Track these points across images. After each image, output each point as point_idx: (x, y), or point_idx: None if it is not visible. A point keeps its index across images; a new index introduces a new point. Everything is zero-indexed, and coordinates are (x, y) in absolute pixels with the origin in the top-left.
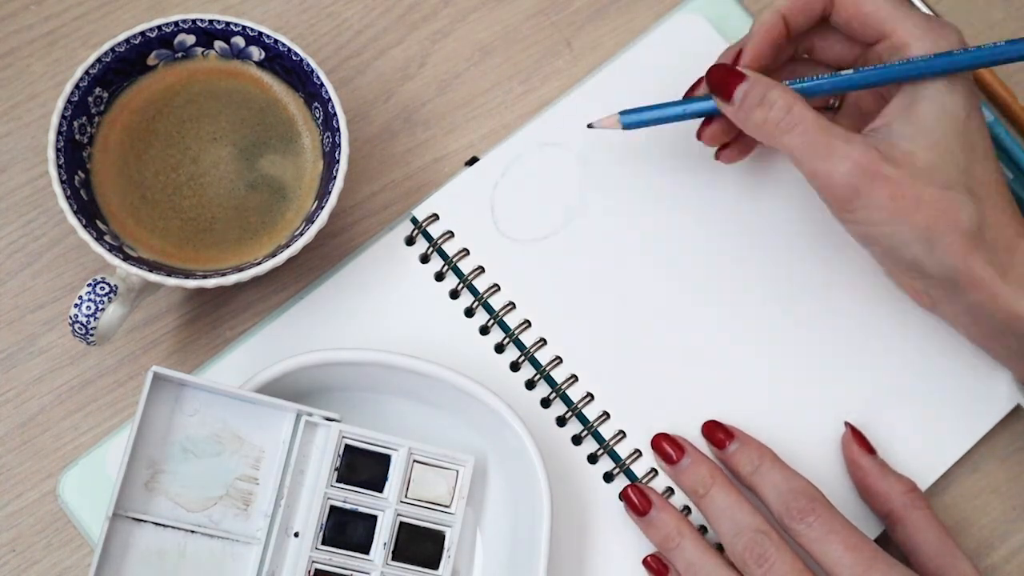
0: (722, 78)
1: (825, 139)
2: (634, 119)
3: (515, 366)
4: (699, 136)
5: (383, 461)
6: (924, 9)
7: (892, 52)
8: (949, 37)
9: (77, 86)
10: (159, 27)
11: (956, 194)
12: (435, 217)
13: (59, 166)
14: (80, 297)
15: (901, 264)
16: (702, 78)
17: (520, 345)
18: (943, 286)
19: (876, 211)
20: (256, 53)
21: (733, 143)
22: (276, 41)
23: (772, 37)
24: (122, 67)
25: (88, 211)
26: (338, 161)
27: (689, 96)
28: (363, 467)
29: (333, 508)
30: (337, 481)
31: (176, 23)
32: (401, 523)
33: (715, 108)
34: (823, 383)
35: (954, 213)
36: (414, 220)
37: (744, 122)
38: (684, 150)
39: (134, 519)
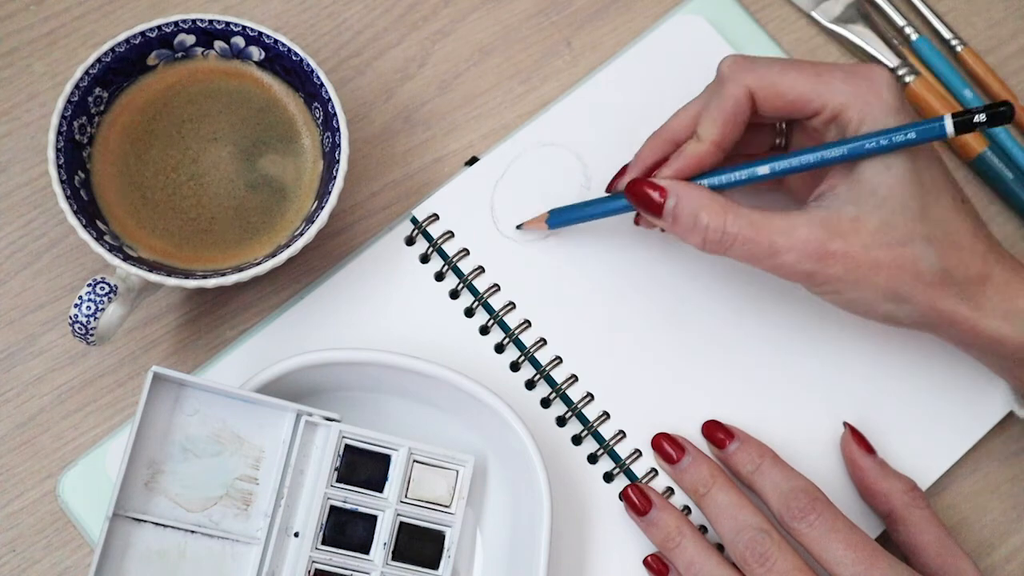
0: (642, 193)
1: (765, 240)
2: (561, 219)
3: (515, 366)
4: (636, 223)
5: (383, 461)
6: (925, 11)
7: (828, 124)
8: (879, 90)
9: (77, 86)
10: (159, 27)
11: (912, 249)
12: (435, 217)
13: (59, 166)
14: (80, 297)
15: (879, 319)
16: (623, 169)
17: (520, 345)
18: (925, 328)
19: (837, 283)
20: (256, 53)
21: None
22: (276, 41)
23: (705, 165)
24: (122, 67)
25: (88, 211)
26: (338, 161)
27: (613, 185)
28: (363, 467)
29: (333, 508)
30: (337, 481)
31: (176, 23)
32: (401, 523)
33: (631, 206)
34: (823, 383)
35: (914, 266)
36: (414, 220)
37: (682, 238)
38: None
39: (134, 519)
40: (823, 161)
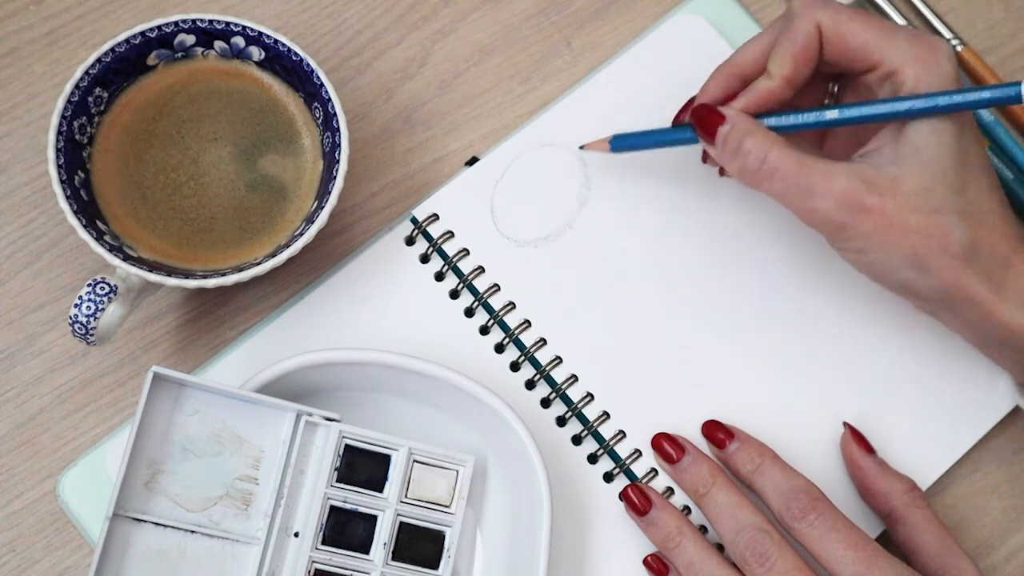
0: (704, 118)
1: (805, 181)
2: (624, 143)
3: (515, 366)
4: (704, 161)
5: (383, 461)
6: (925, 11)
7: (883, 81)
8: (939, 60)
9: (77, 86)
10: (159, 27)
11: (945, 218)
12: (435, 217)
13: (59, 166)
14: (80, 297)
15: (895, 288)
16: (689, 102)
17: (520, 345)
18: (939, 305)
19: (865, 241)
20: (256, 53)
21: None
22: (276, 41)
23: (775, 101)
24: (122, 67)
25: (88, 211)
26: (338, 161)
27: (679, 118)
28: (363, 467)
29: (333, 508)
30: (337, 481)
31: (176, 23)
32: (401, 523)
33: (696, 138)
34: (823, 383)
35: (944, 237)
36: (414, 220)
37: (727, 166)
38: (685, 152)
39: (134, 519)
40: (894, 114)
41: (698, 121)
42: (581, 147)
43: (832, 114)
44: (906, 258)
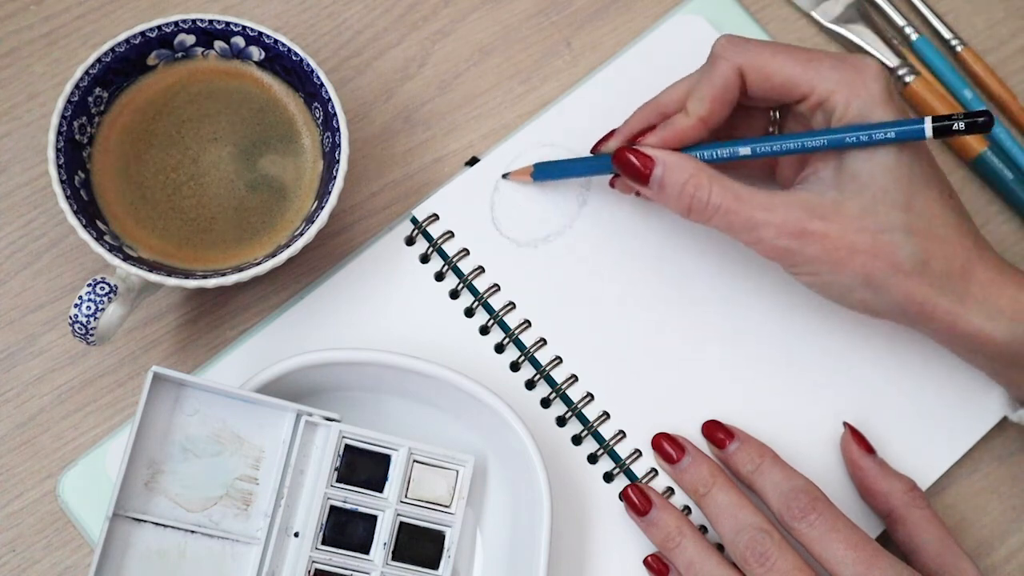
0: (629, 161)
1: (746, 215)
2: (546, 172)
3: (515, 366)
4: (612, 185)
5: (383, 461)
6: (925, 11)
7: (814, 110)
8: (866, 80)
9: (77, 86)
10: (159, 27)
11: (891, 236)
12: (435, 217)
13: (59, 166)
14: (80, 297)
15: (854, 306)
16: (610, 133)
17: (520, 345)
18: (901, 320)
19: (814, 264)
20: (256, 53)
21: None
22: (276, 41)
23: (689, 139)
24: (122, 67)
25: (88, 211)
26: (338, 161)
27: (597, 148)
28: (363, 467)
29: (333, 508)
30: (337, 481)
31: (176, 23)
32: (401, 523)
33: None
34: (823, 383)
35: (891, 256)
36: (414, 220)
37: (667, 206)
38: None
39: (134, 519)
40: (803, 148)
41: (624, 164)
42: (504, 176)
43: (745, 150)
44: (857, 278)
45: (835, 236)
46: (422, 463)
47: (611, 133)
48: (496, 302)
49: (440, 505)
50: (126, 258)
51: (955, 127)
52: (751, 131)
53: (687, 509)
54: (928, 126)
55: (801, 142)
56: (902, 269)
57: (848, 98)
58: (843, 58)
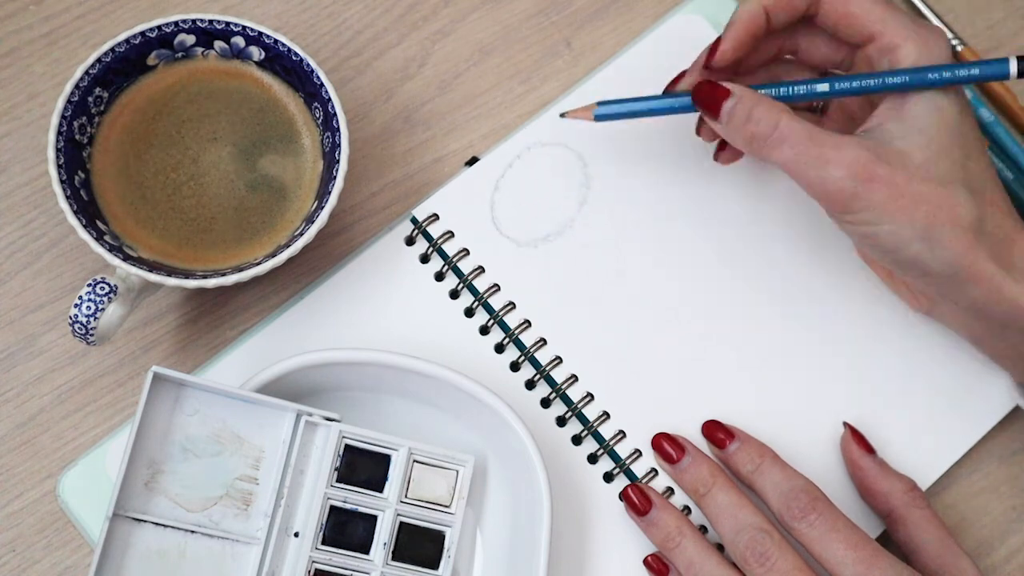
0: (708, 94)
1: (816, 150)
2: (609, 111)
3: (515, 366)
4: (698, 132)
5: (383, 461)
6: (924, 10)
7: (881, 55)
8: (938, 42)
9: (77, 86)
10: (159, 27)
11: (954, 190)
12: (435, 217)
13: (59, 166)
14: (80, 297)
15: (902, 263)
16: (683, 73)
17: (520, 345)
18: (945, 283)
19: (874, 212)
20: (256, 53)
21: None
22: (276, 41)
23: (752, 29)
24: (122, 67)
25: (88, 211)
26: (338, 161)
27: (669, 91)
28: (363, 467)
29: (333, 508)
30: (337, 481)
31: (176, 23)
32: (401, 523)
33: (689, 106)
34: (823, 383)
35: (953, 208)
36: (414, 220)
37: (733, 139)
38: (685, 151)
39: (134, 519)
40: (885, 86)
41: (701, 97)
42: (562, 115)
43: (823, 87)
44: (917, 229)
45: (901, 182)
46: (422, 463)
47: (681, 74)
48: (496, 302)
49: (440, 505)
50: (126, 258)
51: None
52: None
53: (687, 509)
54: (1013, 63)
55: (882, 79)
56: (961, 224)
57: (919, 51)
58: (920, 20)
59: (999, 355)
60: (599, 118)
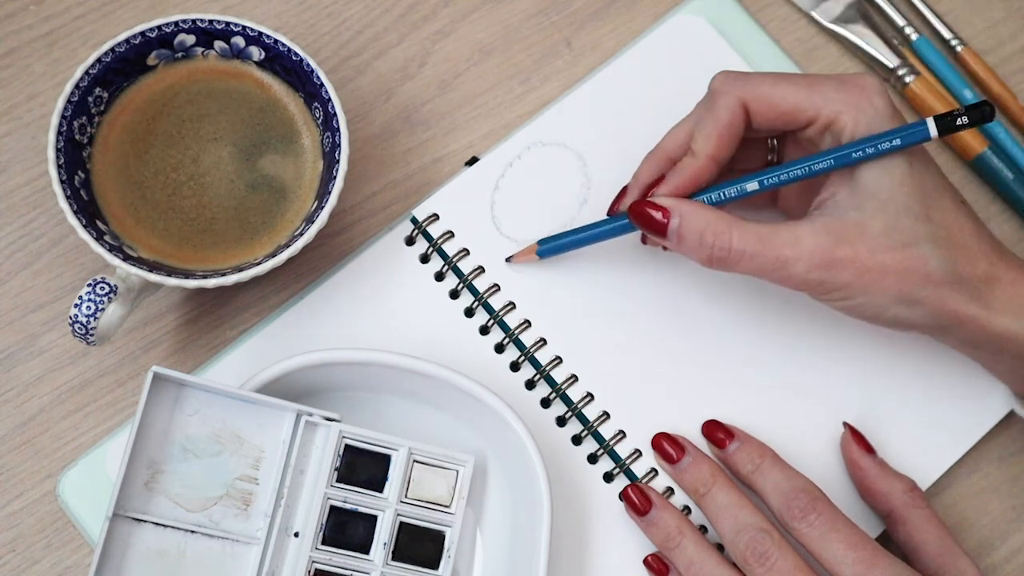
0: (645, 214)
1: (773, 254)
2: (551, 247)
3: (515, 366)
4: (644, 241)
5: (383, 461)
6: (925, 11)
7: (823, 132)
8: (871, 96)
9: (77, 86)
10: (159, 27)
11: (919, 249)
12: (435, 217)
13: (59, 166)
14: (80, 297)
15: (887, 323)
16: (622, 192)
17: (520, 345)
18: (934, 330)
19: (846, 290)
20: (256, 53)
21: None
22: (276, 41)
23: (702, 180)
24: (122, 67)
25: (88, 211)
26: (338, 161)
27: (614, 208)
28: (363, 467)
29: (333, 508)
30: (337, 481)
31: (176, 23)
32: (401, 523)
33: (632, 227)
34: (823, 383)
35: (923, 268)
36: (414, 220)
37: (688, 256)
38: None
39: (134, 519)
40: (811, 172)
41: (641, 218)
42: (507, 259)
43: (752, 185)
44: (891, 296)
45: (864, 258)
46: (422, 463)
47: (623, 192)
48: (496, 302)
49: (440, 505)
50: (126, 258)
51: (959, 122)
52: (750, 162)
53: (687, 509)
54: (932, 126)
55: (807, 166)
56: (933, 280)
57: (855, 117)
58: (844, 79)
59: (997, 374)
60: (542, 255)
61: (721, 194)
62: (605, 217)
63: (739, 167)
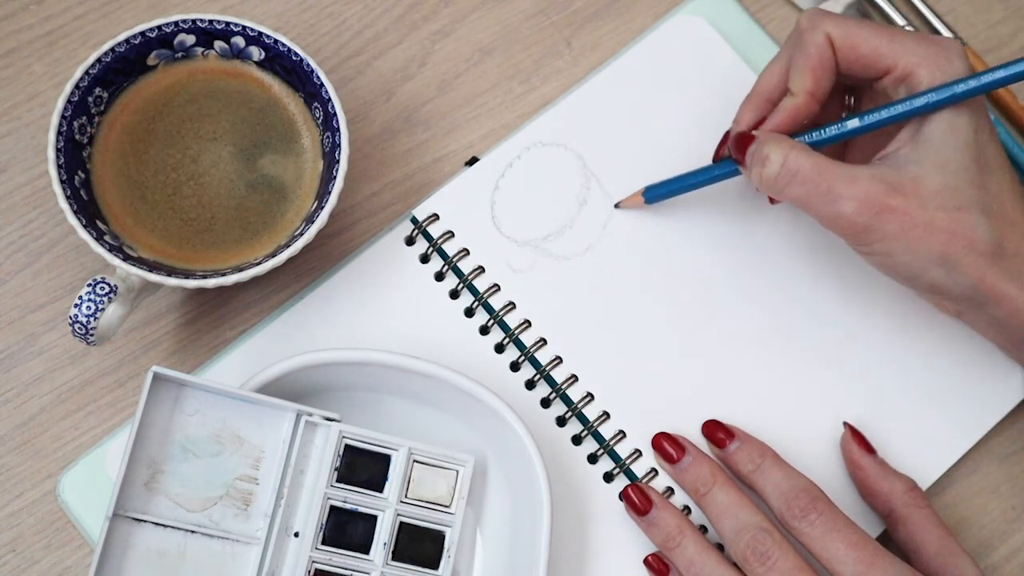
0: (739, 144)
1: (826, 185)
2: (658, 192)
3: (515, 366)
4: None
5: (383, 461)
6: (925, 11)
7: (898, 84)
8: (950, 57)
9: (77, 86)
10: (159, 27)
11: (969, 215)
12: (435, 217)
13: (59, 166)
14: (80, 297)
15: (922, 287)
16: (725, 137)
17: (520, 345)
18: (967, 303)
19: (890, 243)
20: (256, 53)
21: None
22: (276, 41)
23: (802, 116)
24: (122, 67)
25: (88, 211)
26: (338, 161)
27: (718, 154)
28: (363, 467)
29: (333, 508)
30: (337, 481)
31: (176, 23)
32: (401, 523)
33: (734, 171)
34: (823, 383)
35: (969, 234)
36: (414, 220)
37: (755, 182)
38: (685, 151)
39: (134, 519)
40: (911, 110)
41: (736, 147)
42: (616, 205)
43: (853, 123)
44: (933, 257)
45: (915, 212)
46: (422, 463)
47: (726, 136)
48: (496, 302)
49: (440, 505)
50: (126, 258)
51: None
52: (826, 117)
53: (687, 509)
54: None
55: (909, 104)
56: (977, 249)
57: (933, 72)
58: (927, 36)
59: (1018, 359)
60: (649, 201)
61: (822, 132)
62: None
63: (817, 122)
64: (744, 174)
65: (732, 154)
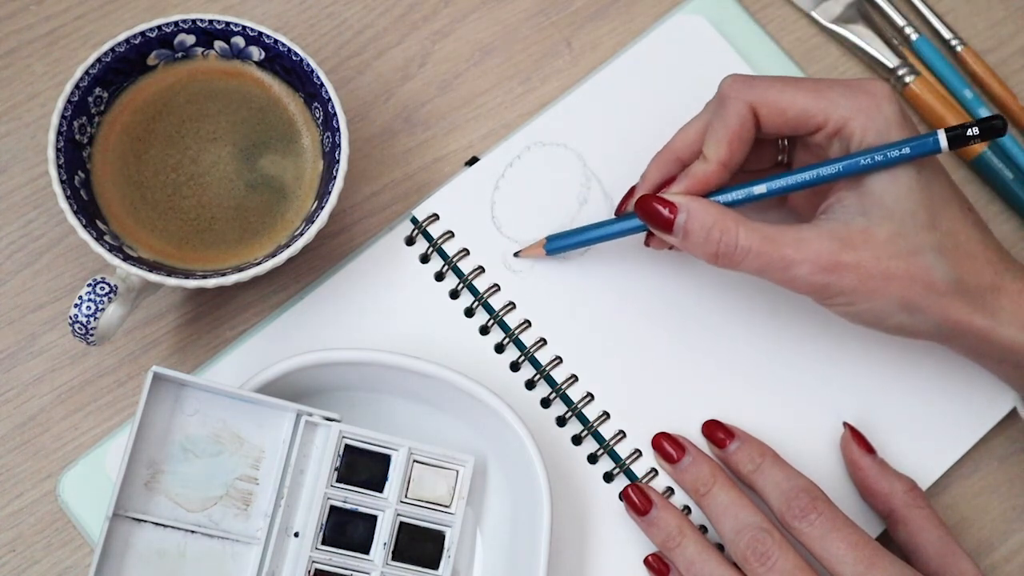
0: (653, 209)
1: (777, 255)
2: (559, 244)
3: (515, 366)
4: (647, 243)
5: (383, 461)
6: (925, 11)
7: (831, 139)
8: (880, 103)
9: (77, 86)
10: (159, 27)
11: (924, 258)
12: (435, 217)
13: (59, 166)
14: (80, 297)
15: (891, 330)
16: (630, 191)
17: (520, 345)
18: (937, 338)
19: (850, 295)
20: (256, 53)
21: None
22: (276, 41)
23: (712, 184)
24: (122, 67)
25: (88, 211)
26: (338, 161)
27: (621, 208)
28: (363, 467)
29: (333, 508)
30: (337, 481)
31: (176, 23)
32: (401, 523)
33: (639, 227)
34: (823, 383)
35: (926, 277)
36: (414, 220)
37: (693, 253)
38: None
39: (134, 519)
40: (819, 179)
41: (647, 213)
42: (515, 254)
43: (760, 189)
44: (895, 304)
45: (869, 265)
46: (422, 463)
47: (631, 192)
48: (496, 302)
49: (440, 505)
50: (126, 258)
51: (969, 133)
52: (760, 162)
53: (687, 509)
54: (943, 138)
55: (816, 173)
56: (937, 289)
57: (864, 123)
58: (853, 84)
59: (1003, 378)
60: (550, 252)
61: (728, 197)
62: (612, 217)
63: (750, 167)
64: (667, 240)
65: (646, 220)
